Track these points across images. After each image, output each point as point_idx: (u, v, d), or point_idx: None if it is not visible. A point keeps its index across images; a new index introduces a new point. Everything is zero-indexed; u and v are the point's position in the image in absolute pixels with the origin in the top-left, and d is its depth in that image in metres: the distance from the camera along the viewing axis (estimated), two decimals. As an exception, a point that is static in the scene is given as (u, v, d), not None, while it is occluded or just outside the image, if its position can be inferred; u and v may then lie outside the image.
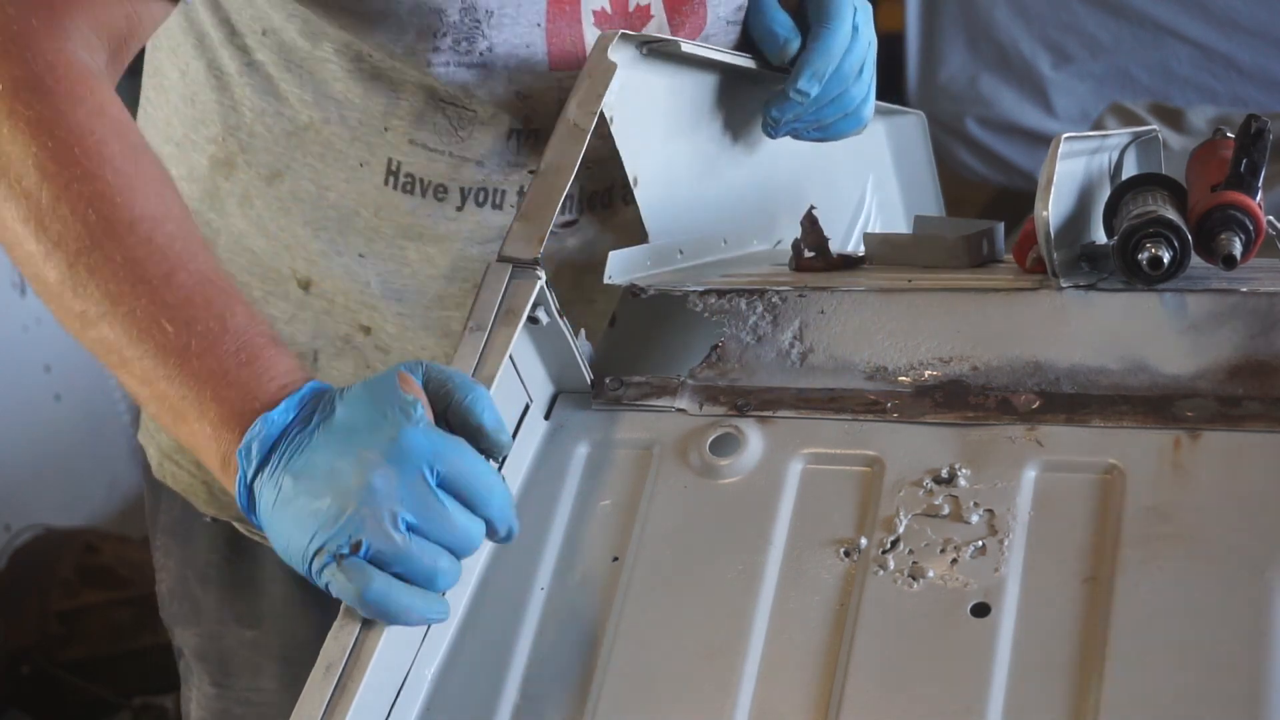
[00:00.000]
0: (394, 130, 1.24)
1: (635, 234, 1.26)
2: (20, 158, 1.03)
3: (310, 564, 0.96)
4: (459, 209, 1.26)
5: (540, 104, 1.24)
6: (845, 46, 1.31)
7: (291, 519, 0.97)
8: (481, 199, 1.26)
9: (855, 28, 1.32)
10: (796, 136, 1.35)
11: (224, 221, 1.31)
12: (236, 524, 1.40)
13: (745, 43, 1.34)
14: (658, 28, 1.27)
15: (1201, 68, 3.81)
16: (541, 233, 1.11)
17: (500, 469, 1.09)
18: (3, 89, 1.04)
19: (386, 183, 1.25)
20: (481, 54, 1.21)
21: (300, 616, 1.39)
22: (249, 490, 0.99)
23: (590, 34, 1.24)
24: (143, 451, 1.47)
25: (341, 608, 0.97)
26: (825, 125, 1.36)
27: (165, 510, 1.46)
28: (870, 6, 1.36)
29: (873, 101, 1.38)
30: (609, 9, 1.24)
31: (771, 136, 1.34)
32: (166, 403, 1.02)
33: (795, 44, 1.30)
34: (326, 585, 0.95)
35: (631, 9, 1.26)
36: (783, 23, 1.31)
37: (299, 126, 1.26)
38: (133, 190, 1.04)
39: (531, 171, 1.24)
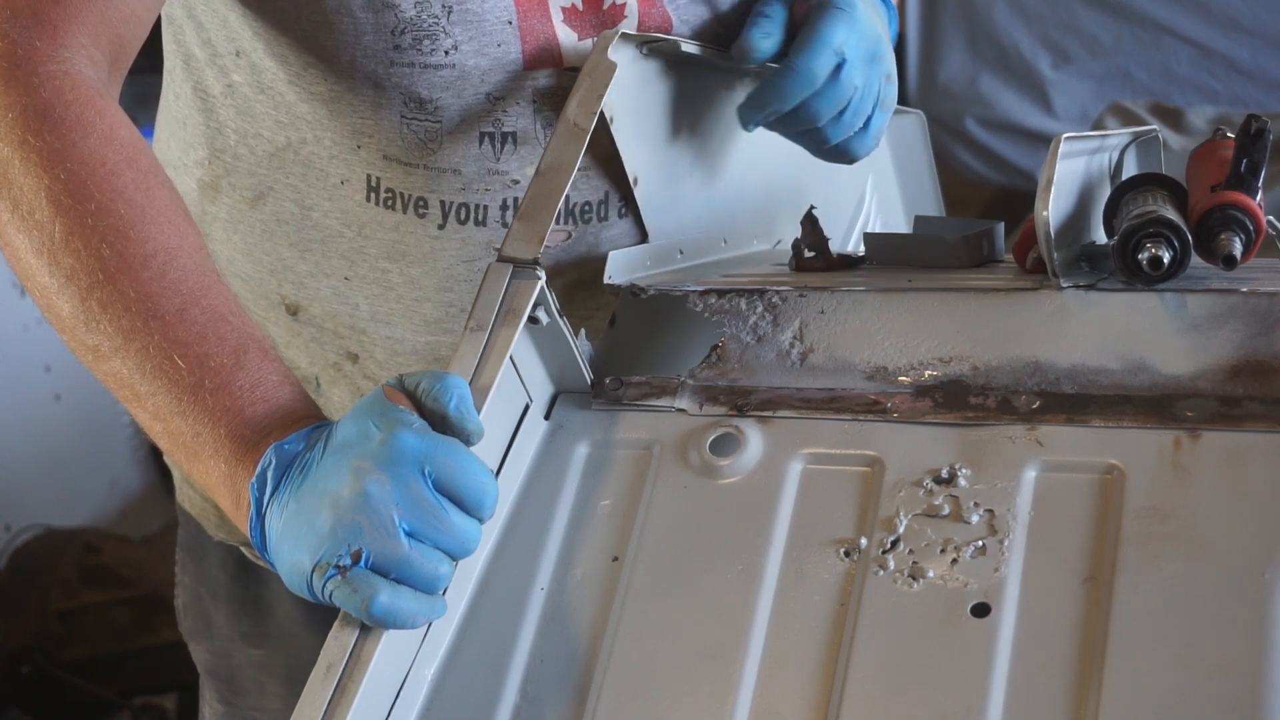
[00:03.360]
0: (365, 149, 1.23)
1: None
2: (33, 190, 1.02)
3: (312, 580, 0.95)
4: (440, 227, 1.24)
5: (513, 105, 1.22)
6: (807, 89, 1.24)
7: (292, 541, 0.96)
8: (463, 215, 1.24)
9: (838, 73, 1.24)
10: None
11: (212, 248, 1.30)
12: (244, 549, 1.40)
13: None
14: (630, 28, 1.25)
15: (1201, 68, 3.81)
16: (542, 232, 1.11)
17: (500, 470, 1.09)
18: (13, 118, 1.03)
19: (368, 199, 1.24)
20: (447, 53, 1.20)
21: (306, 637, 1.39)
22: (261, 522, 0.99)
23: (562, 32, 1.22)
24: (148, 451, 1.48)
25: (341, 610, 0.97)
26: (812, 148, 1.32)
27: (183, 526, 1.47)
28: (881, 51, 1.28)
29: (868, 140, 1.31)
30: (579, 5, 1.23)
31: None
32: (180, 439, 1.02)
33: (755, 57, 1.24)
34: (331, 597, 0.95)
35: (606, 6, 1.24)
36: (762, 33, 1.25)
37: (278, 147, 1.25)
38: (146, 223, 1.03)
39: (515, 181, 1.24)
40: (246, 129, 1.26)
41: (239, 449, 1.00)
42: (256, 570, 1.41)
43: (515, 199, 1.24)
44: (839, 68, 1.24)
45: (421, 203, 1.23)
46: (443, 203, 1.23)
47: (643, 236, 1.27)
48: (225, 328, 1.03)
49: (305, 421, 1.01)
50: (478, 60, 1.20)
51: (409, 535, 0.95)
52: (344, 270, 1.26)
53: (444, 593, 0.98)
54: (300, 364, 1.30)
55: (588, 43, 1.23)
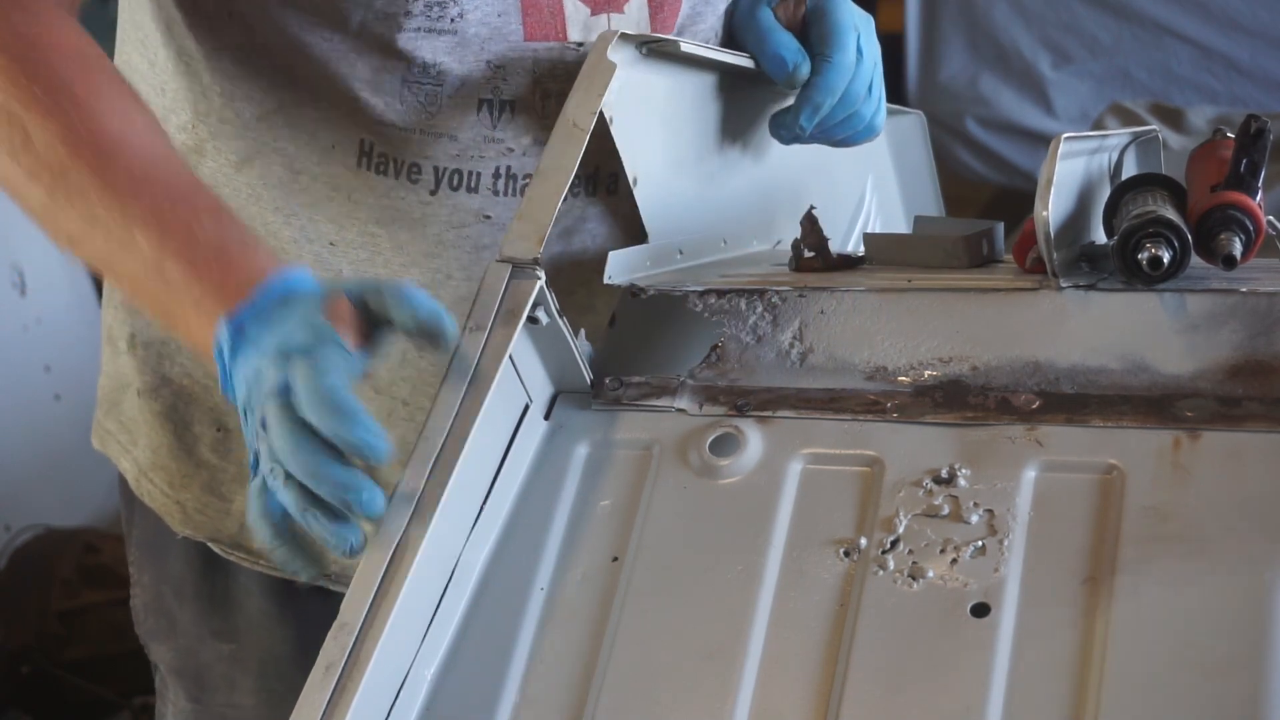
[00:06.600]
0: (361, 112, 1.23)
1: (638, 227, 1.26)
2: None
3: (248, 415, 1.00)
4: (433, 193, 1.25)
5: (513, 75, 1.23)
6: (849, 76, 1.30)
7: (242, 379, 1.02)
8: (456, 182, 1.25)
9: (859, 51, 1.31)
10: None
11: None
12: (211, 544, 1.39)
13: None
14: (638, 7, 1.26)
15: (1201, 68, 3.81)
16: (542, 233, 1.11)
17: (499, 470, 1.09)
18: None
19: (360, 164, 1.25)
20: (453, 20, 1.20)
21: (277, 631, 1.38)
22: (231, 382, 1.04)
23: (570, 6, 1.23)
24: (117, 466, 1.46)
25: (341, 610, 0.97)
26: (836, 140, 1.36)
27: (140, 524, 1.45)
28: (871, 19, 1.35)
29: (884, 111, 1.38)
30: None
31: (780, 142, 1.35)
32: (161, 305, 1.07)
33: (806, 68, 1.29)
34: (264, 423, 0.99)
35: None
36: (789, 46, 1.30)
37: (268, 110, 1.25)
38: (98, 108, 1.07)
39: (510, 149, 1.24)
40: (235, 91, 1.26)
41: (211, 306, 1.04)
42: (224, 564, 1.39)
43: (509, 166, 1.25)
44: (859, 46, 1.30)
45: (414, 168, 1.24)
46: (436, 168, 1.24)
47: (631, 216, 1.27)
48: (182, 202, 1.07)
49: (263, 276, 1.04)
50: (479, 29, 1.21)
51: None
52: (330, 235, 1.27)
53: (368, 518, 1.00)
54: None
55: (601, 18, 1.24)
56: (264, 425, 0.99)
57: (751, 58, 1.31)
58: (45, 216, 1.08)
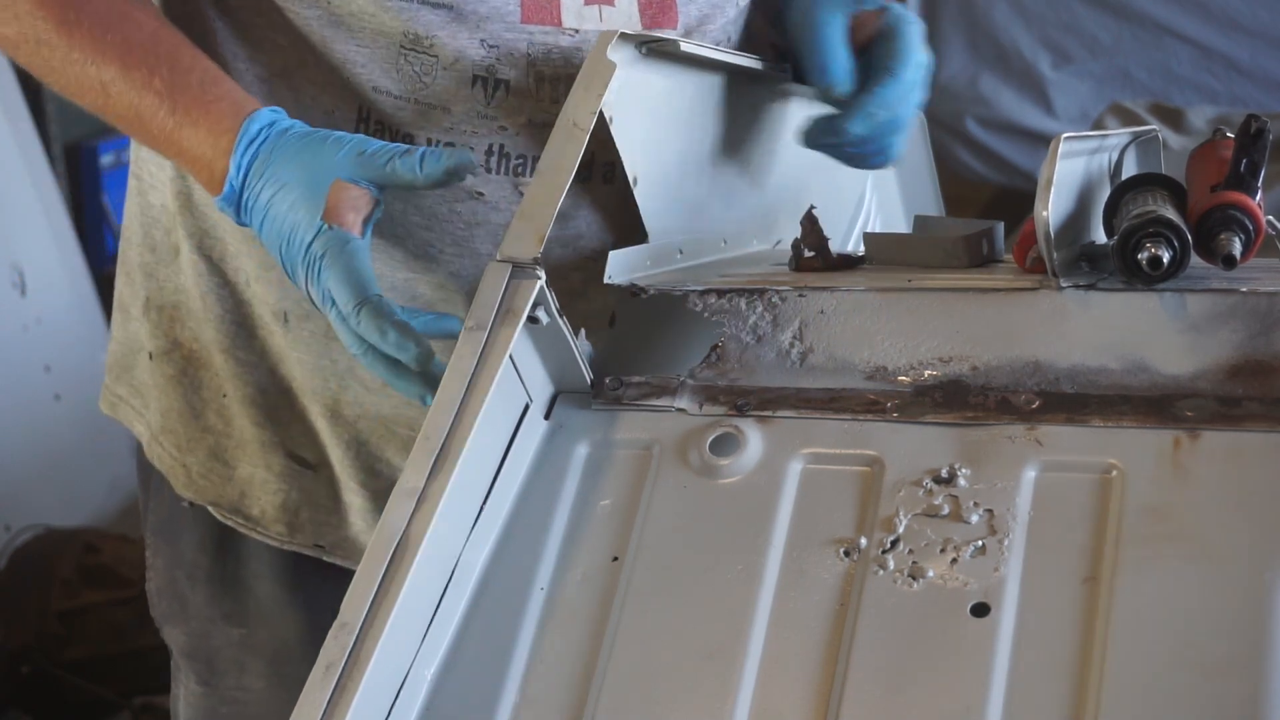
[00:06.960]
0: (358, 78, 1.25)
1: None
2: None
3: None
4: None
5: (507, 55, 1.24)
6: (905, 98, 1.31)
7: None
8: None
9: (916, 82, 1.32)
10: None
11: (190, 182, 1.32)
12: (211, 509, 1.40)
13: (758, 45, 1.34)
14: (628, 2, 1.26)
15: (1201, 68, 3.81)
16: (542, 232, 1.11)
17: (499, 470, 1.09)
18: None
19: (357, 129, 1.26)
20: None
21: (287, 616, 1.39)
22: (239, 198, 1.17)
23: None
24: (136, 444, 1.47)
25: (341, 610, 0.97)
26: (856, 158, 1.35)
27: (155, 509, 1.46)
28: (933, 62, 1.36)
29: (904, 147, 1.38)
30: None
31: (803, 145, 1.35)
32: (174, 145, 1.20)
33: (847, 91, 1.30)
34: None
35: None
36: (843, 65, 1.30)
37: (272, 73, 1.27)
38: None
39: (504, 128, 1.25)
40: (239, 52, 1.27)
41: (202, 169, 1.19)
42: (236, 549, 1.40)
43: (502, 145, 1.26)
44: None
45: (408, 138, 1.26)
46: (429, 140, 1.25)
47: (627, 204, 1.28)
48: (164, 41, 1.21)
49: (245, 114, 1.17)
50: (476, 6, 1.22)
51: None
52: None
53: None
54: (270, 299, 1.32)
55: (594, 8, 1.24)
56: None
57: (780, 57, 1.31)
58: (44, 76, 1.22)
